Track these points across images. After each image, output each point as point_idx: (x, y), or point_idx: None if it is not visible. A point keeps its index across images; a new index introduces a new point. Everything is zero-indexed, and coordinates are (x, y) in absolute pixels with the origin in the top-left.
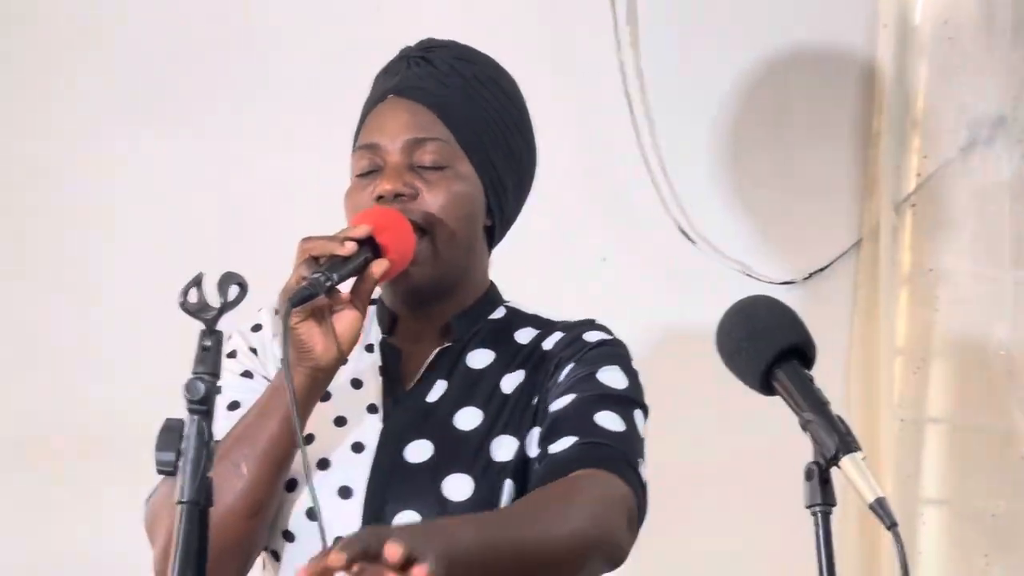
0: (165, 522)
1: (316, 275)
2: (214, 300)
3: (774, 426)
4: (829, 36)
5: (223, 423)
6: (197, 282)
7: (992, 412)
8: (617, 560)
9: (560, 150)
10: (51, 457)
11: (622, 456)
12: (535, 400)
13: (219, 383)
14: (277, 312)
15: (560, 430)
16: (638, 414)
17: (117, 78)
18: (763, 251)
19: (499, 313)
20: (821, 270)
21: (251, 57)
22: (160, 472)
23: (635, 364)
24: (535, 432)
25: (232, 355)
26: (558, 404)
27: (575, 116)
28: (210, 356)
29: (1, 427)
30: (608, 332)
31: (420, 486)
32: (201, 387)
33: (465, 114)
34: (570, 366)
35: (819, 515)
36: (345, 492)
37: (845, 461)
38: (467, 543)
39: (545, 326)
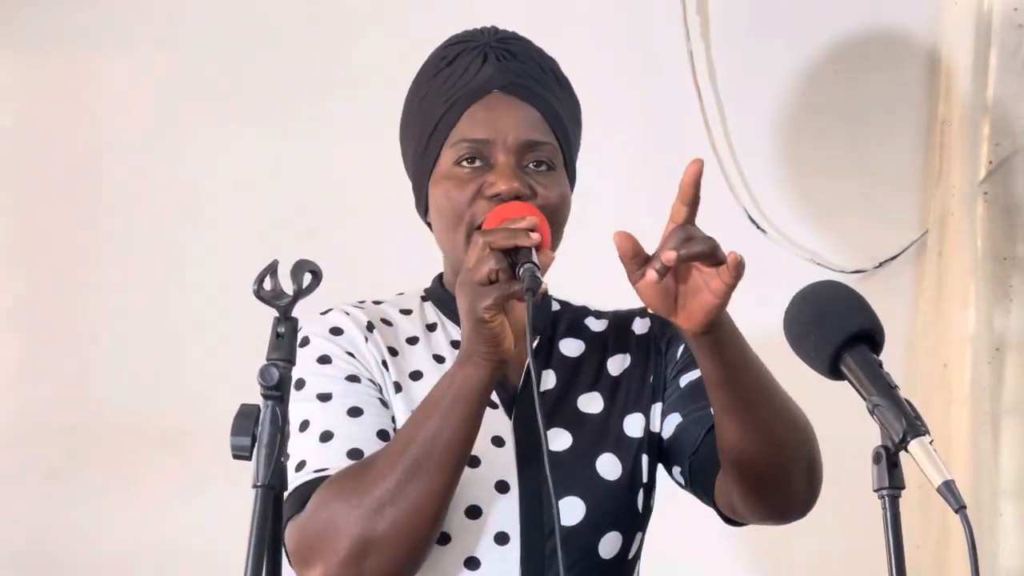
0: (339, 538)
1: (528, 265)
2: (288, 288)
3: (846, 412)
4: (896, 22)
5: (347, 428)
6: (272, 269)
7: None
8: (805, 500)
9: (630, 140)
10: (140, 447)
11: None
12: (651, 378)
13: (321, 352)
14: (349, 312)
15: (703, 395)
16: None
17: (195, 71)
18: (832, 240)
19: (555, 306)
20: (892, 259)
21: (330, 49)
22: (235, 457)
23: None
24: (657, 407)
25: (326, 360)
26: (691, 376)
27: (645, 106)
28: (284, 343)
29: (87, 415)
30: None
31: (576, 471)
32: (275, 373)
33: (562, 119)
34: (680, 350)
35: (887, 498)
36: (502, 487)
37: (914, 444)
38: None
39: (610, 315)
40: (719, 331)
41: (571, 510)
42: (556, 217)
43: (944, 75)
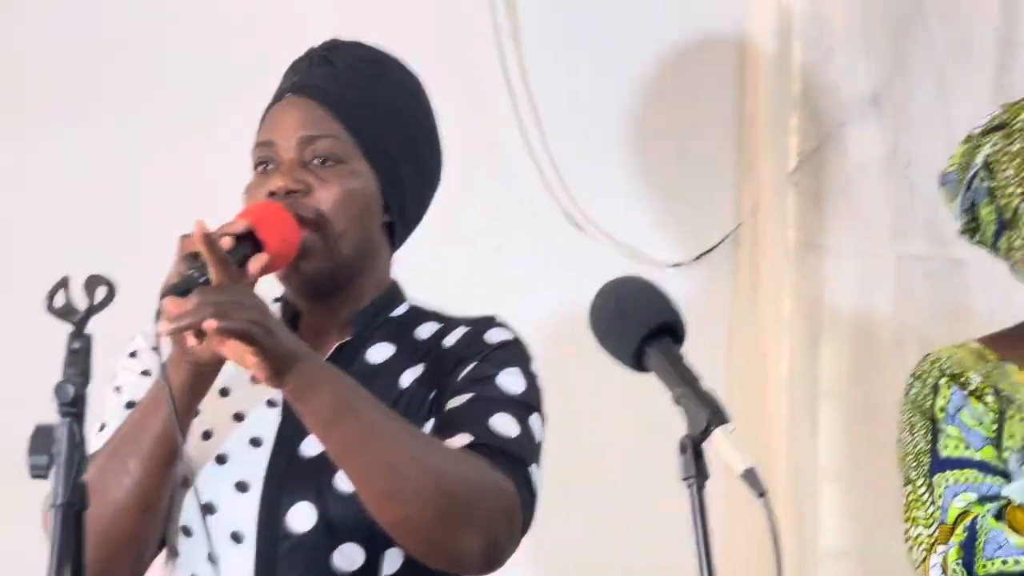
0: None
1: (190, 271)
2: (81, 303)
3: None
4: (704, 20)
5: (119, 422)
6: (63, 285)
7: (883, 385)
8: (490, 558)
9: (446, 141)
10: None
11: (514, 459)
12: (432, 394)
13: (116, 383)
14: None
15: (454, 427)
16: (535, 419)
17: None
18: (652, 235)
19: (401, 310)
20: (709, 251)
21: (142, 58)
22: (34, 476)
23: (535, 367)
24: (429, 425)
25: (134, 355)
26: (455, 402)
27: (456, 108)
28: (79, 359)
29: None
30: (510, 331)
31: (312, 478)
32: (71, 390)
33: (361, 111)
34: (471, 365)
35: (694, 487)
36: (242, 487)
37: (716, 433)
38: (331, 376)
39: (447, 322)
40: (289, 385)
41: (303, 516)
42: (336, 211)
43: (751, 70)
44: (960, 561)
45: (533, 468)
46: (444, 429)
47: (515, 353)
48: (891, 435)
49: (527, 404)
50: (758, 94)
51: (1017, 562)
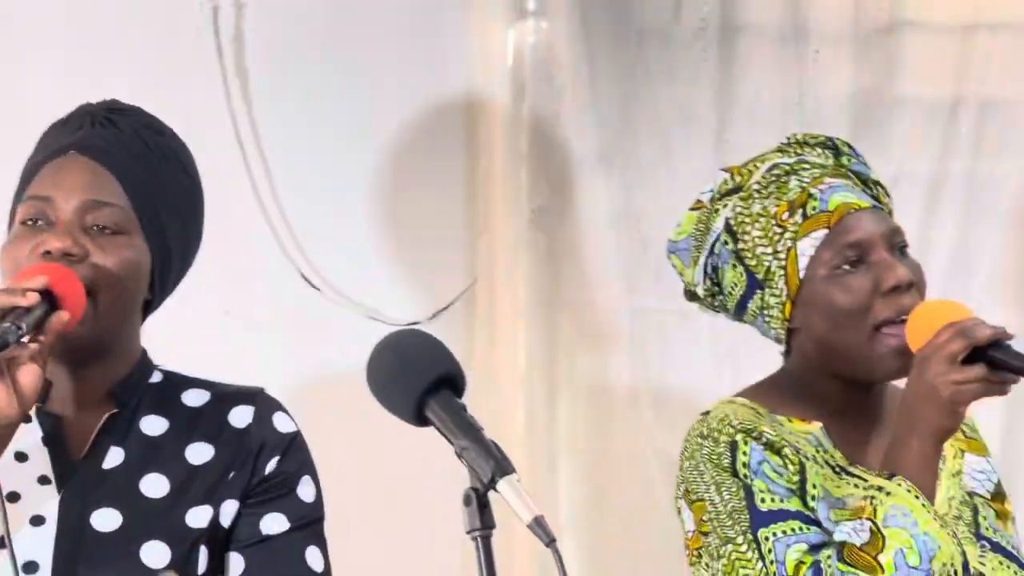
0: None
1: (6, 325)
2: None
3: (431, 457)
4: (436, 78)
5: None
6: None
7: (619, 439)
8: None
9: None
10: None
11: None
12: (232, 474)
13: None
14: None
15: (274, 565)
16: (323, 527)
17: None
18: (388, 294)
19: (156, 377)
20: (444, 309)
21: None
22: None
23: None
24: (232, 505)
25: None
26: (270, 526)
27: None
28: None
29: None
30: (287, 414)
31: (116, 554)
32: None
33: (146, 186)
34: (272, 464)
35: (479, 539)
36: (31, 567)
37: (502, 484)
38: None
39: (213, 389)
40: None
41: None
42: (111, 280)
43: (484, 127)
44: None
45: None
46: (266, 564)
47: (303, 452)
48: (628, 489)
49: (320, 518)
50: (491, 151)
51: None
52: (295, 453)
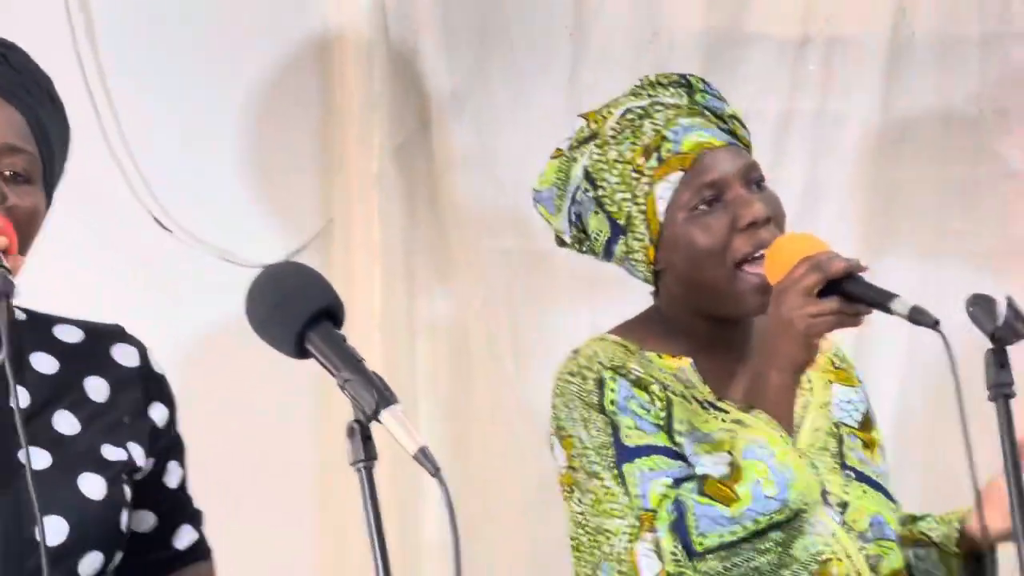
0: None
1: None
2: None
3: (286, 393)
4: (292, 15)
5: None
6: None
7: (478, 381)
8: None
9: None
10: None
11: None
12: (126, 419)
13: None
14: None
15: (179, 517)
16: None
17: None
18: (241, 235)
19: (21, 316)
20: (299, 250)
21: None
22: None
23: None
24: (138, 451)
25: None
26: (171, 478)
27: None
28: None
29: None
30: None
31: (58, 491)
32: None
33: (47, 133)
34: (164, 413)
35: (363, 470)
36: None
37: (385, 415)
38: None
39: (81, 325)
40: None
41: (54, 530)
42: (27, 228)
43: (338, 68)
44: (677, 543)
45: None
46: (172, 518)
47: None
48: (488, 432)
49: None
50: (347, 88)
51: (732, 532)
52: (170, 393)
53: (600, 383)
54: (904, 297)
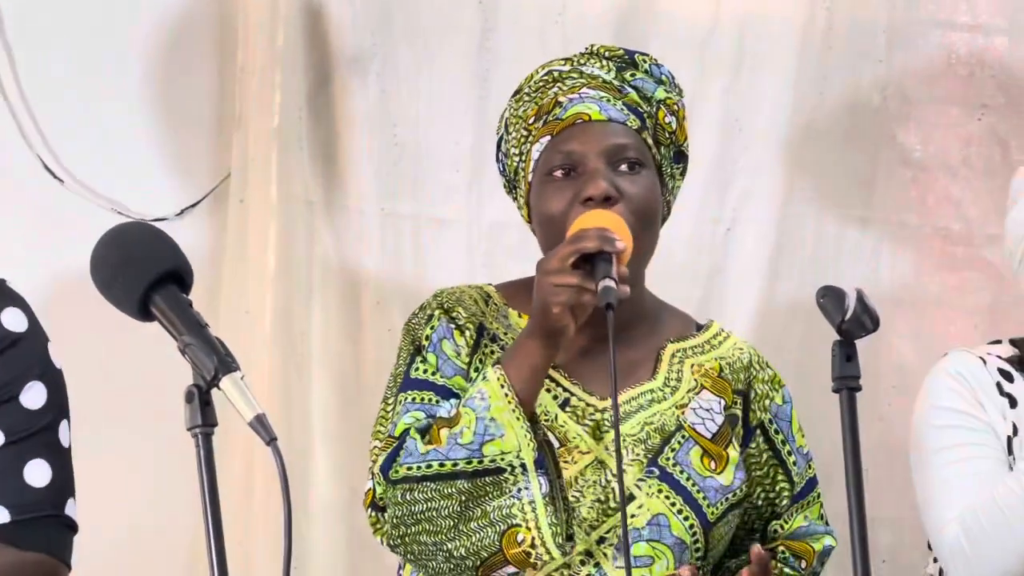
0: None
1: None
2: None
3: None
4: None
5: None
6: None
7: (367, 343)
8: None
9: None
10: None
11: (48, 520)
12: None
13: None
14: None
15: None
16: (63, 430)
17: None
18: (133, 189)
19: None
20: (193, 206)
21: None
22: None
23: (49, 352)
24: None
25: None
26: None
27: None
28: None
29: None
30: (23, 310)
31: None
32: None
33: None
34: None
35: (200, 436)
36: None
37: (225, 381)
38: None
39: None
40: None
41: None
42: None
43: (241, 22)
44: (382, 468)
45: (69, 504)
46: None
47: (31, 353)
48: (375, 393)
49: (54, 421)
50: (248, 44)
51: (419, 467)
52: (21, 354)
53: (428, 318)
54: (607, 283)
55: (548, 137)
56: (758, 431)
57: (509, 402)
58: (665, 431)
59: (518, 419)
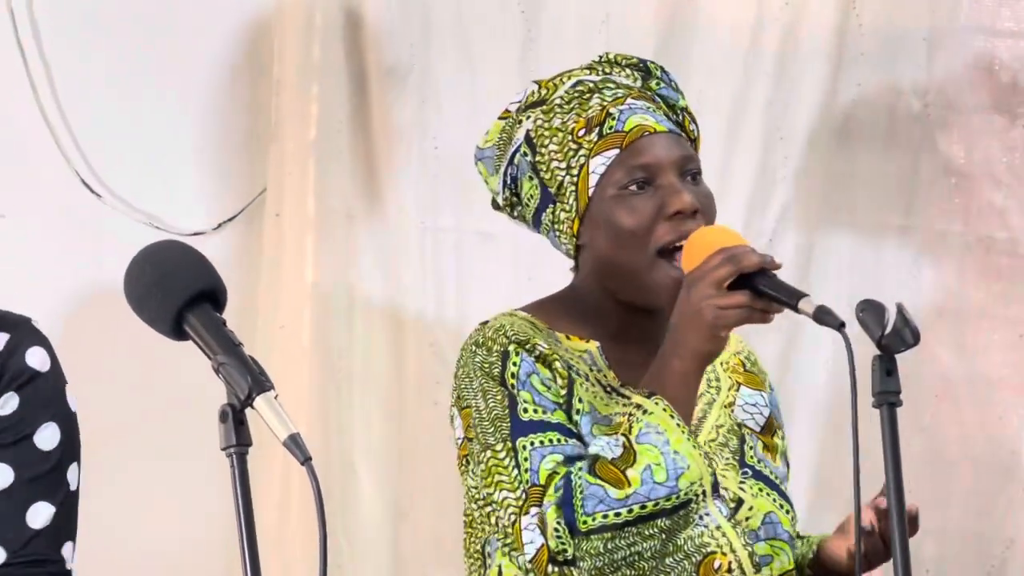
0: None
1: None
2: None
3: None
4: None
5: None
6: None
7: (406, 358)
8: None
9: None
10: None
11: (44, 565)
12: None
13: None
14: None
15: None
16: (72, 472)
17: None
18: (170, 203)
19: None
20: (230, 219)
21: None
22: None
23: (67, 395)
24: None
25: None
26: (2, 479)
27: None
28: None
29: None
30: (47, 350)
31: None
32: None
33: None
34: (9, 404)
35: (235, 456)
36: None
37: (259, 401)
38: None
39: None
40: None
41: None
42: None
43: (277, 37)
44: (561, 519)
45: (66, 547)
46: None
47: (50, 393)
48: (423, 416)
49: (62, 463)
50: (284, 60)
51: (618, 514)
52: (40, 393)
53: (504, 355)
54: (812, 297)
55: (615, 151)
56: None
57: (683, 432)
58: (734, 431)
59: (695, 447)
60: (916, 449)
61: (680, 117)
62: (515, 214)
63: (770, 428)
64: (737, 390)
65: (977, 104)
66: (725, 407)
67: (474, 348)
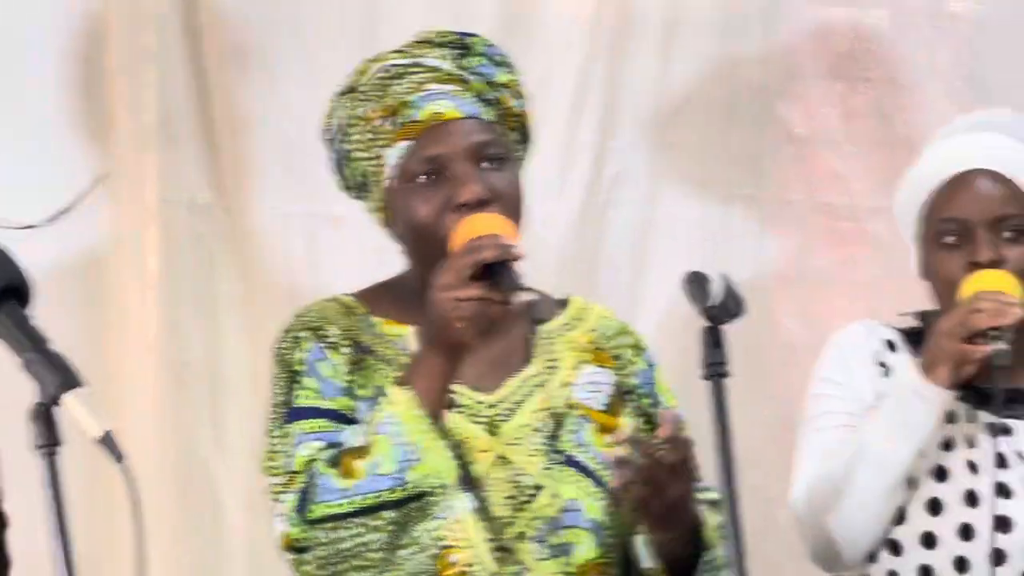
0: None
1: None
2: None
3: None
4: None
5: None
6: None
7: (260, 348)
8: None
9: None
10: None
11: None
12: None
13: None
14: None
15: None
16: None
17: None
18: (1, 194)
19: None
20: (66, 210)
21: None
22: None
23: None
24: None
25: None
26: None
27: None
28: None
29: None
30: None
31: None
32: None
33: None
34: None
35: (46, 455)
36: None
37: (67, 398)
38: None
39: None
40: None
41: None
42: None
43: (111, 25)
44: (296, 508)
45: None
46: None
47: None
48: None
49: None
50: (116, 47)
51: (340, 504)
52: None
53: (295, 341)
54: (535, 290)
55: (406, 142)
56: (628, 396)
57: (422, 423)
58: (557, 414)
59: (435, 439)
60: (765, 416)
61: (499, 94)
62: (353, 196)
63: (616, 407)
64: (580, 369)
65: (816, 72)
66: (562, 386)
67: (281, 334)
